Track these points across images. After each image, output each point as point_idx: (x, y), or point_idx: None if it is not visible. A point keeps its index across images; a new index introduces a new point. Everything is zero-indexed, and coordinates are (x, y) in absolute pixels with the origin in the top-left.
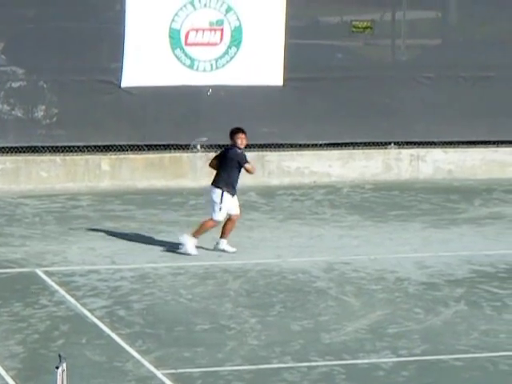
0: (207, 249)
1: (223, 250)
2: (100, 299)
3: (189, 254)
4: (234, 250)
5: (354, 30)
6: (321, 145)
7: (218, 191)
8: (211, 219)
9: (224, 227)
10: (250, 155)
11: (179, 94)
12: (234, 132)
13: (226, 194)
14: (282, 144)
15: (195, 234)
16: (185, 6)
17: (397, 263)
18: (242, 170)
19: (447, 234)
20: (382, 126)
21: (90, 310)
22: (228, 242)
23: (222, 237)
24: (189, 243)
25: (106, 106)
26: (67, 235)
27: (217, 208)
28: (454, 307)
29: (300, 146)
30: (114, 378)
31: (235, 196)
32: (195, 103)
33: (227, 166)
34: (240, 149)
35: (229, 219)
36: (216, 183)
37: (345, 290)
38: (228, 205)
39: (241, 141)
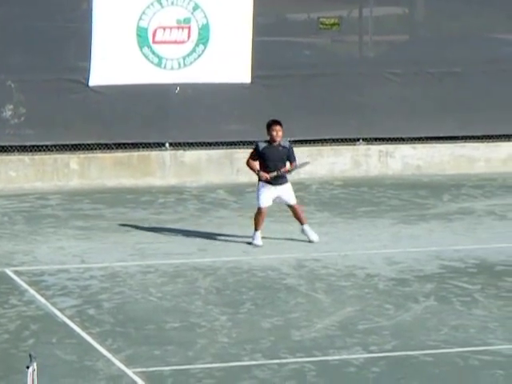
0: (179, 247)
1: (308, 238)
2: (70, 298)
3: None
4: (314, 238)
5: (321, 26)
6: (289, 142)
7: (258, 183)
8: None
9: (295, 216)
10: (218, 153)
11: (147, 93)
12: (269, 124)
13: (262, 185)
14: (250, 141)
15: (257, 227)
16: (152, 4)
17: (367, 259)
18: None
19: (416, 230)
20: (350, 122)
21: (60, 310)
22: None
23: (302, 224)
24: (256, 234)
25: (74, 105)
26: (36, 235)
27: (256, 196)
28: (424, 303)
29: None
30: (84, 377)
31: (281, 186)
32: (163, 101)
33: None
34: (274, 142)
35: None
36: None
37: (315, 286)
38: (265, 195)
39: (276, 133)
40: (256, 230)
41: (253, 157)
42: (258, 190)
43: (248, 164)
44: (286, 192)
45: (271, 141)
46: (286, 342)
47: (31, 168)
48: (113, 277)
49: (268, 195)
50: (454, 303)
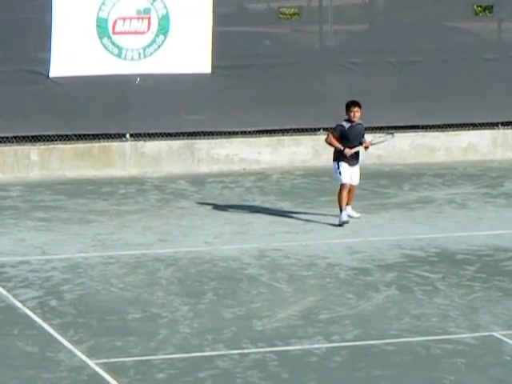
0: (143, 237)
1: (350, 216)
2: (31, 290)
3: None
4: (358, 215)
5: (281, 16)
6: (250, 132)
7: (335, 162)
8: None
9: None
10: (178, 143)
11: (108, 83)
12: (348, 105)
13: (342, 164)
14: (211, 132)
15: (343, 207)
16: None
17: (328, 249)
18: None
19: (377, 219)
20: (310, 112)
21: (21, 301)
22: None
23: (347, 204)
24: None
25: (35, 96)
26: None
27: (337, 175)
28: (385, 292)
29: (229, 133)
30: (46, 368)
31: (353, 167)
32: (124, 92)
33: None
34: (349, 121)
35: (349, 188)
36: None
37: (276, 276)
38: (346, 172)
39: (353, 114)
40: (342, 209)
41: (334, 136)
42: (338, 168)
43: (330, 141)
44: (355, 173)
45: (350, 120)
46: (248, 332)
47: None
48: (74, 268)
49: (348, 172)
50: (416, 292)
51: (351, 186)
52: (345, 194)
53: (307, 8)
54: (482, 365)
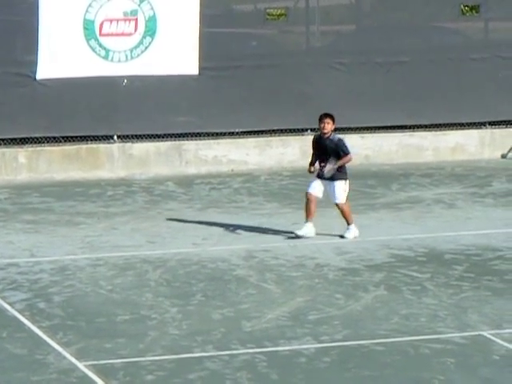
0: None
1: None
2: (20, 292)
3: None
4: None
5: (268, 17)
6: (237, 133)
7: None
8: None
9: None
10: (166, 145)
11: (95, 85)
12: (319, 117)
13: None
14: (198, 133)
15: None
16: None
17: (316, 249)
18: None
19: (365, 220)
20: (298, 112)
21: (9, 304)
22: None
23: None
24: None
25: (22, 98)
26: None
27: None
28: (374, 292)
29: (217, 134)
30: (35, 370)
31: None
32: (111, 94)
33: None
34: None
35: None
36: None
37: (265, 277)
38: (313, 183)
39: (323, 125)
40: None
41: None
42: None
43: None
44: (326, 188)
45: (321, 132)
46: (237, 333)
47: None
48: (62, 270)
49: (315, 183)
50: (404, 292)
51: (311, 195)
52: (308, 204)
53: (294, 9)
54: (471, 364)
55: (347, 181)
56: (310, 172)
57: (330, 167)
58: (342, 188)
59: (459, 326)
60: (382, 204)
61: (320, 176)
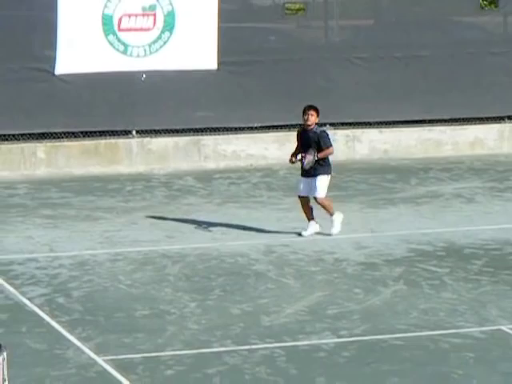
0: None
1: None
2: (39, 287)
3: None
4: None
5: (286, 12)
6: (256, 127)
7: None
8: None
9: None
10: (185, 140)
11: (113, 80)
12: (303, 109)
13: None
14: (217, 128)
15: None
16: None
17: (335, 244)
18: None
19: (384, 214)
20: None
21: (29, 299)
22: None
23: (308, 219)
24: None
25: (41, 93)
26: (4, 224)
27: None
28: (393, 287)
29: (236, 129)
30: (54, 365)
31: (309, 178)
32: (130, 89)
33: None
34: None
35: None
36: None
37: (284, 272)
38: (299, 183)
39: (306, 117)
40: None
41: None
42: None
43: None
44: (308, 184)
45: (305, 124)
46: (256, 327)
47: None
48: (82, 265)
49: (300, 183)
50: (423, 287)
51: (301, 197)
52: (302, 207)
53: (313, 3)
54: (490, 359)
55: (329, 175)
56: (292, 162)
57: (309, 158)
58: (323, 183)
59: (478, 321)
60: (401, 198)
61: (303, 174)
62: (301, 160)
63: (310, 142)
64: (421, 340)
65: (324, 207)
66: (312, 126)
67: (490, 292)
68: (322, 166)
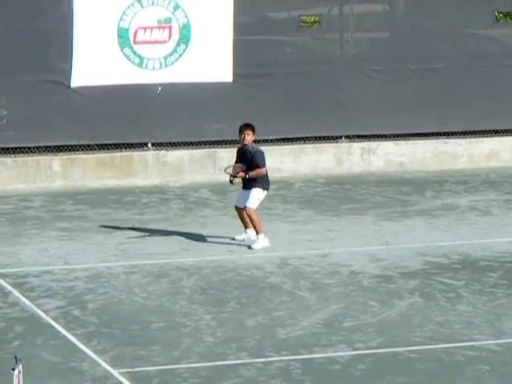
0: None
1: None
2: (54, 300)
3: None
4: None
5: (302, 24)
6: (271, 140)
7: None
8: None
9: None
10: (200, 152)
11: (129, 93)
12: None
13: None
14: (232, 140)
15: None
16: (132, 4)
17: (350, 257)
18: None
19: (400, 227)
20: (332, 119)
21: (44, 311)
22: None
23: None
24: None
25: (56, 106)
26: (20, 236)
27: None
28: (409, 299)
29: None
30: (70, 378)
31: (246, 190)
32: (145, 101)
33: None
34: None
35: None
36: None
37: (299, 284)
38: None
39: (243, 136)
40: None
41: None
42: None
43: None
44: (242, 195)
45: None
46: (272, 340)
47: (13, 170)
48: (97, 277)
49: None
50: (439, 299)
51: (236, 208)
52: (239, 217)
53: (328, 16)
54: (506, 372)
55: (265, 191)
56: (231, 183)
57: (235, 168)
58: (256, 195)
59: (494, 333)
60: (417, 211)
61: (243, 186)
62: (225, 171)
63: (247, 159)
64: (436, 353)
65: (252, 221)
66: (249, 145)
67: (505, 304)
68: (258, 182)
